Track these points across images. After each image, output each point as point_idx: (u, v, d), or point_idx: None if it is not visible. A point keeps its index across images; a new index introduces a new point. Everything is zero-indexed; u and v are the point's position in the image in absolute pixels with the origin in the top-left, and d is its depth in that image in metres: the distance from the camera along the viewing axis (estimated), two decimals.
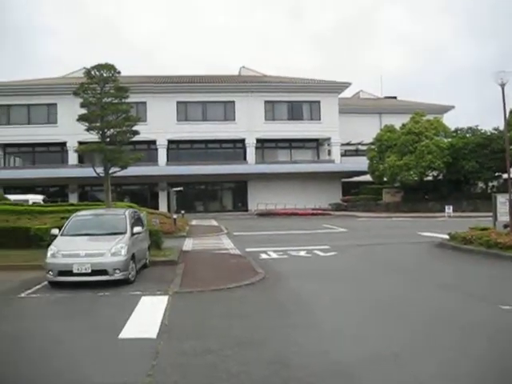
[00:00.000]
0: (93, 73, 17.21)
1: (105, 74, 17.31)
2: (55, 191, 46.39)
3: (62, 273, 10.31)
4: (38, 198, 33.98)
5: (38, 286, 10.62)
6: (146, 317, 7.89)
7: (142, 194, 47.71)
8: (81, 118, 17.50)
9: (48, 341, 6.79)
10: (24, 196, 33.08)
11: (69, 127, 30.70)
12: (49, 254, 10.63)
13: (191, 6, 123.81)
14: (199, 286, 10.40)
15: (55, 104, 44.87)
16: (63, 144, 44.27)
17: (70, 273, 10.23)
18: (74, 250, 10.58)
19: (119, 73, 17.48)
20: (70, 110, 20.09)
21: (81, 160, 41.01)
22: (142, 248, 12.76)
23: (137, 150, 36.45)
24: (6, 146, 48.20)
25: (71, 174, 41.02)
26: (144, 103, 46.92)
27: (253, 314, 8.05)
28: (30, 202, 29.01)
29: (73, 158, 43.50)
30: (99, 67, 17.13)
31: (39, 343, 6.69)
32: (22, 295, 9.85)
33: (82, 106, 17.61)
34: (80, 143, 17.60)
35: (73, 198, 44.43)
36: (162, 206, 43.32)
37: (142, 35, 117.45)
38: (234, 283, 10.61)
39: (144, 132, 43.81)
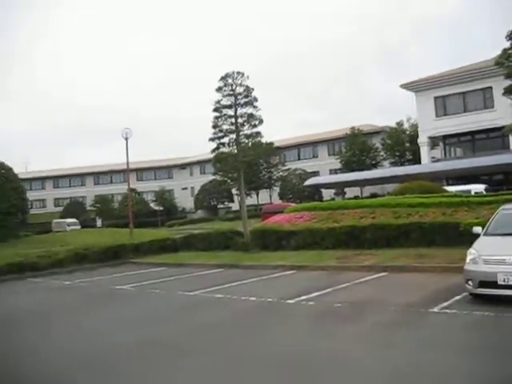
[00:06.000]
0: None
1: None
2: (498, 179, 43.33)
3: (482, 283, 8.12)
4: (480, 187, 31.98)
5: (457, 297, 8.71)
6: None
7: None
8: (507, 91, 14.79)
9: None
10: (465, 186, 31.74)
11: (506, 110, 27.62)
12: (468, 258, 8.57)
13: None
14: None
15: (490, 87, 42.07)
16: (501, 129, 41.08)
17: (494, 284, 7.94)
18: (499, 254, 8.21)
19: None
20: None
21: None
22: None
23: None
24: (445, 137, 47.81)
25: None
26: None
27: None
28: (472, 193, 27.46)
29: None
30: None
31: None
32: (435, 309, 8.07)
33: (507, 76, 14.80)
34: None
35: None
36: None
37: None
38: None
39: None
